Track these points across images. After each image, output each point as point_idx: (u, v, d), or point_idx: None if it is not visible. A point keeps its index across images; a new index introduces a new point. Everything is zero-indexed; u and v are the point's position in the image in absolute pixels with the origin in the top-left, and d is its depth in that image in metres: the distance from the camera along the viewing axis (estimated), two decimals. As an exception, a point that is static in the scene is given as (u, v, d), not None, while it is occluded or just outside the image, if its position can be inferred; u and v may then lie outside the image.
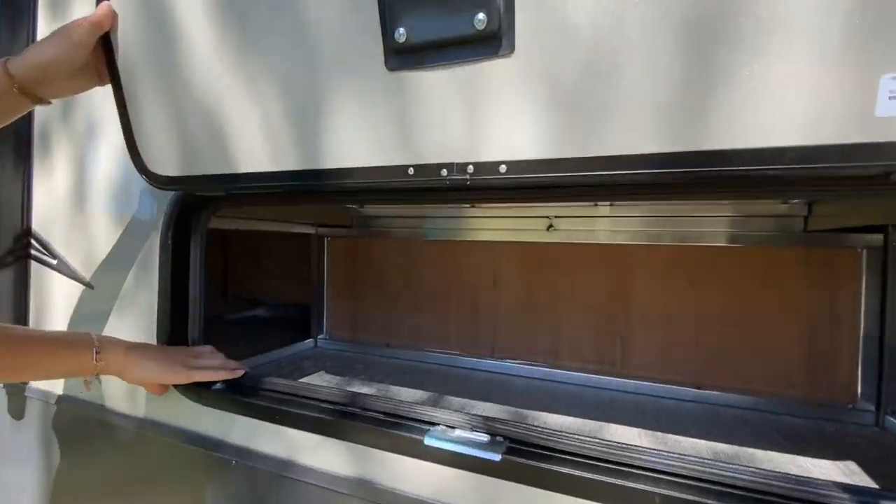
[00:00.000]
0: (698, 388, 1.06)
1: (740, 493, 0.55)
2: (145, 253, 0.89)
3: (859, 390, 0.95)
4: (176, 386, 0.82)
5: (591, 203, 1.14)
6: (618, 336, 1.14)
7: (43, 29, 1.04)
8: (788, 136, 0.40)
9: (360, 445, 0.69)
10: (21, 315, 1.05)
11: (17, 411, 1.05)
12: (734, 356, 1.04)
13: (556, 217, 1.18)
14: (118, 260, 0.93)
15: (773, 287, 1.01)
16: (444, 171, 0.52)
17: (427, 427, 0.67)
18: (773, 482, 0.55)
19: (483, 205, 1.24)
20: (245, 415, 0.78)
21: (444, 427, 0.67)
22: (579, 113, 0.45)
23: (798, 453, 0.80)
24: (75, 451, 0.99)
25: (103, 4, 0.67)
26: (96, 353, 0.72)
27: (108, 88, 0.74)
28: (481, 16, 0.46)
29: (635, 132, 0.43)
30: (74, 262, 0.98)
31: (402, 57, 0.51)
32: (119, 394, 0.91)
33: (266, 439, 0.77)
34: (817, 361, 0.98)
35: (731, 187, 0.47)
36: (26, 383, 1.05)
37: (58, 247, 1.00)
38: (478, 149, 0.50)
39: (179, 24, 0.64)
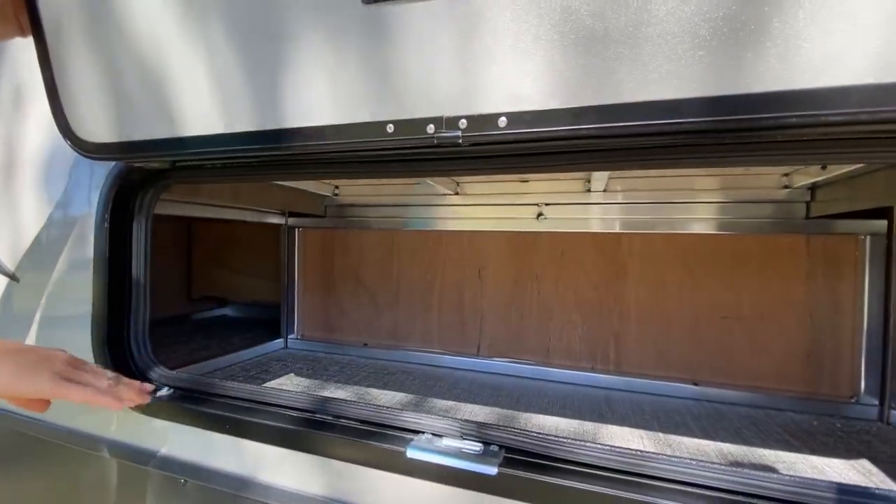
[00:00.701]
0: (696, 384, 1.00)
1: (762, 500, 0.48)
2: (80, 240, 0.76)
3: (862, 384, 0.91)
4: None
5: (584, 189, 1.07)
6: (611, 331, 1.07)
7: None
8: (854, 74, 0.33)
9: (331, 459, 0.59)
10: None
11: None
12: (732, 350, 0.98)
13: (545, 205, 1.11)
14: (48, 248, 0.80)
15: (772, 277, 0.96)
16: (431, 127, 0.43)
17: (410, 436, 0.58)
18: (795, 488, 0.49)
19: (468, 191, 1.16)
20: (197, 426, 0.67)
21: (430, 435, 0.58)
22: (599, 50, 0.37)
23: (808, 452, 0.75)
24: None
25: None
26: None
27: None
28: None
29: (669, 73, 0.35)
30: (-3, 250, 0.85)
31: None
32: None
33: (222, 454, 0.66)
34: (819, 355, 0.94)
35: (776, 150, 0.39)
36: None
37: (-23, 233, 0.87)
38: (472, 98, 0.41)
39: None
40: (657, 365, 1.03)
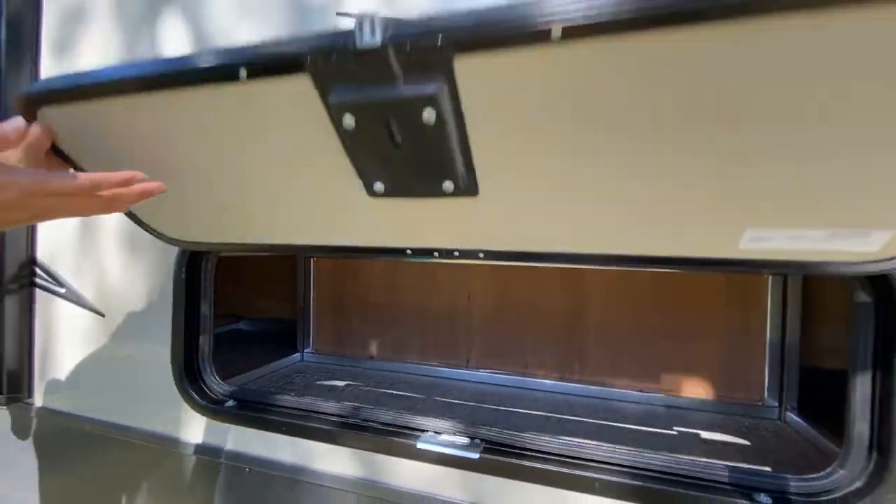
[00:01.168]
0: (641, 391, 1.24)
1: (658, 475, 0.72)
2: (157, 281, 0.98)
3: (766, 390, 1.16)
4: (189, 402, 0.91)
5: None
6: (577, 347, 1.32)
7: (47, 65, 1.11)
8: (691, 250, 0.58)
9: (362, 450, 0.82)
10: (25, 343, 1.11)
11: (23, 430, 1.11)
12: (669, 363, 1.23)
13: (522, 243, 1.35)
14: (129, 287, 1.01)
15: (700, 305, 1.21)
16: (437, 254, 0.67)
17: (418, 433, 0.81)
18: (685, 467, 0.73)
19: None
20: (256, 427, 0.90)
21: (433, 433, 0.81)
22: (541, 226, 0.60)
23: (716, 443, 0.99)
24: (83, 469, 1.06)
25: (35, 127, 0.55)
26: None
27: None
28: (448, 184, 0.53)
29: (583, 240, 0.60)
30: (84, 290, 1.06)
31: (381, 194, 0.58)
32: (128, 408, 1.01)
33: (276, 448, 0.89)
34: (735, 366, 1.19)
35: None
36: (31, 401, 1.11)
37: (66, 275, 1.08)
38: (461, 241, 0.65)
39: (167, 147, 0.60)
40: (611, 375, 1.28)
